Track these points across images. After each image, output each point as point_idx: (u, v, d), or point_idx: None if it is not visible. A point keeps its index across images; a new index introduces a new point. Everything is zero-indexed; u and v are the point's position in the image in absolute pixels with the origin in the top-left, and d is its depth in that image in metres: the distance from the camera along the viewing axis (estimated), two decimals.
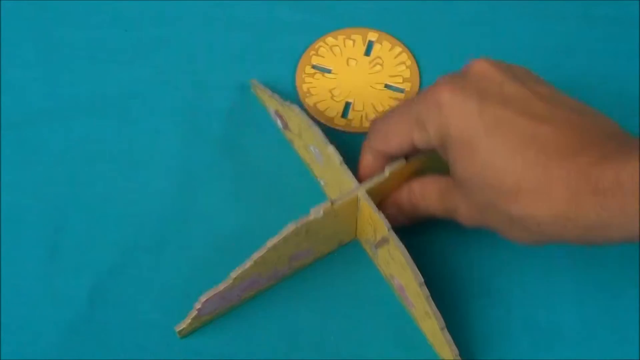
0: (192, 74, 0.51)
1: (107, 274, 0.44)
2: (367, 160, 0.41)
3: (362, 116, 0.49)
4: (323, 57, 0.51)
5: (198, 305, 0.40)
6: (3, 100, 0.50)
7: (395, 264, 0.40)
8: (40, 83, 0.51)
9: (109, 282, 0.44)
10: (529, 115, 0.34)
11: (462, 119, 0.35)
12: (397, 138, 0.39)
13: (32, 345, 0.42)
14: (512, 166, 0.33)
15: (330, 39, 0.52)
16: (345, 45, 0.52)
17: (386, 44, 0.52)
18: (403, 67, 0.51)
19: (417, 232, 0.44)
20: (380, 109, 0.49)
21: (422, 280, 0.38)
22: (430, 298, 0.39)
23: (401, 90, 0.50)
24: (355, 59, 0.51)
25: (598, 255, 0.45)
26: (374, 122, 0.42)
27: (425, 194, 0.40)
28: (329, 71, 0.51)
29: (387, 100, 0.49)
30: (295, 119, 0.45)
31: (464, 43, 0.53)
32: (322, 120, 0.48)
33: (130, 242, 0.45)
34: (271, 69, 0.51)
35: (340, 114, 0.49)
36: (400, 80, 0.50)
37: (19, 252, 0.45)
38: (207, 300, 0.40)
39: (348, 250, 0.45)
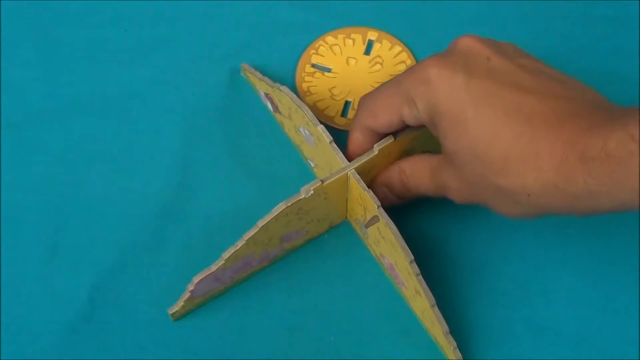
0: (192, 73, 0.51)
1: (107, 274, 0.44)
2: (356, 138, 0.41)
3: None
4: (323, 56, 0.51)
5: (191, 287, 0.40)
6: (3, 100, 0.50)
7: (386, 243, 0.41)
8: (40, 83, 0.51)
9: (109, 281, 0.44)
10: (515, 87, 0.34)
11: (450, 94, 0.35)
12: (386, 114, 0.39)
13: (32, 345, 0.42)
14: (499, 137, 0.34)
15: (330, 38, 0.52)
16: (345, 45, 0.52)
17: (386, 43, 0.52)
18: (403, 66, 0.51)
19: (417, 234, 0.44)
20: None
21: (412, 257, 0.39)
22: (421, 276, 0.39)
23: None
24: (355, 58, 0.51)
25: (598, 255, 0.45)
26: (362, 98, 0.42)
27: (416, 173, 0.40)
28: (329, 70, 0.51)
29: None
30: (285, 100, 0.45)
31: None
32: (322, 119, 0.48)
33: (129, 242, 0.45)
34: (271, 68, 0.51)
35: (340, 113, 0.49)
36: None
37: (19, 252, 0.45)
38: (199, 281, 0.40)
39: (339, 232, 0.46)
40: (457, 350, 0.40)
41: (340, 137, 0.43)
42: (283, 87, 0.44)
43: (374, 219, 0.40)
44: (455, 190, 0.38)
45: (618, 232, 0.46)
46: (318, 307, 0.43)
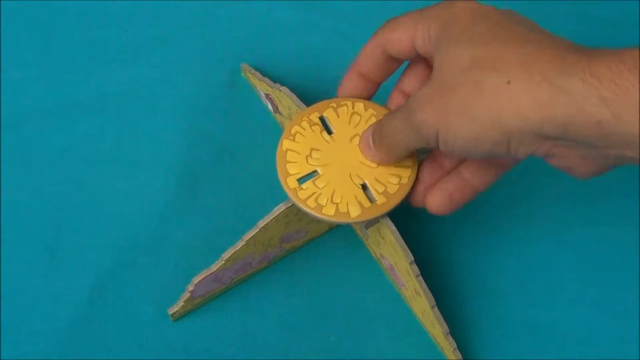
0: (192, 74, 0.51)
1: (106, 274, 0.44)
2: (351, 79, 0.42)
3: (314, 193, 0.39)
4: (338, 116, 0.42)
5: (190, 287, 0.40)
6: (3, 101, 0.50)
7: (386, 244, 0.40)
8: (40, 83, 0.51)
9: (109, 281, 0.44)
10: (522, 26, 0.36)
11: (467, 20, 0.35)
12: (402, 29, 0.38)
13: (32, 344, 0.42)
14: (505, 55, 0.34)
15: (360, 106, 0.42)
16: (367, 121, 0.41)
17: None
18: (396, 179, 0.40)
19: (418, 234, 0.44)
20: (336, 200, 0.39)
21: (412, 259, 0.39)
22: (421, 277, 0.39)
23: (372, 199, 0.40)
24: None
25: (598, 255, 0.45)
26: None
27: (387, 128, 0.39)
28: (331, 132, 0.41)
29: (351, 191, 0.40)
30: (285, 100, 0.44)
31: None
32: (279, 171, 0.40)
33: (129, 242, 0.45)
34: (271, 69, 0.51)
35: (298, 175, 0.40)
36: (381, 190, 0.39)
37: (19, 252, 0.45)
38: (199, 281, 0.40)
39: (338, 233, 0.46)
40: (457, 350, 0.40)
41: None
42: (283, 88, 0.44)
43: (374, 220, 0.40)
44: (428, 117, 0.35)
45: (618, 232, 0.46)
46: (318, 307, 0.43)
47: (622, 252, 0.45)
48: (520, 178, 0.47)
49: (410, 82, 0.41)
